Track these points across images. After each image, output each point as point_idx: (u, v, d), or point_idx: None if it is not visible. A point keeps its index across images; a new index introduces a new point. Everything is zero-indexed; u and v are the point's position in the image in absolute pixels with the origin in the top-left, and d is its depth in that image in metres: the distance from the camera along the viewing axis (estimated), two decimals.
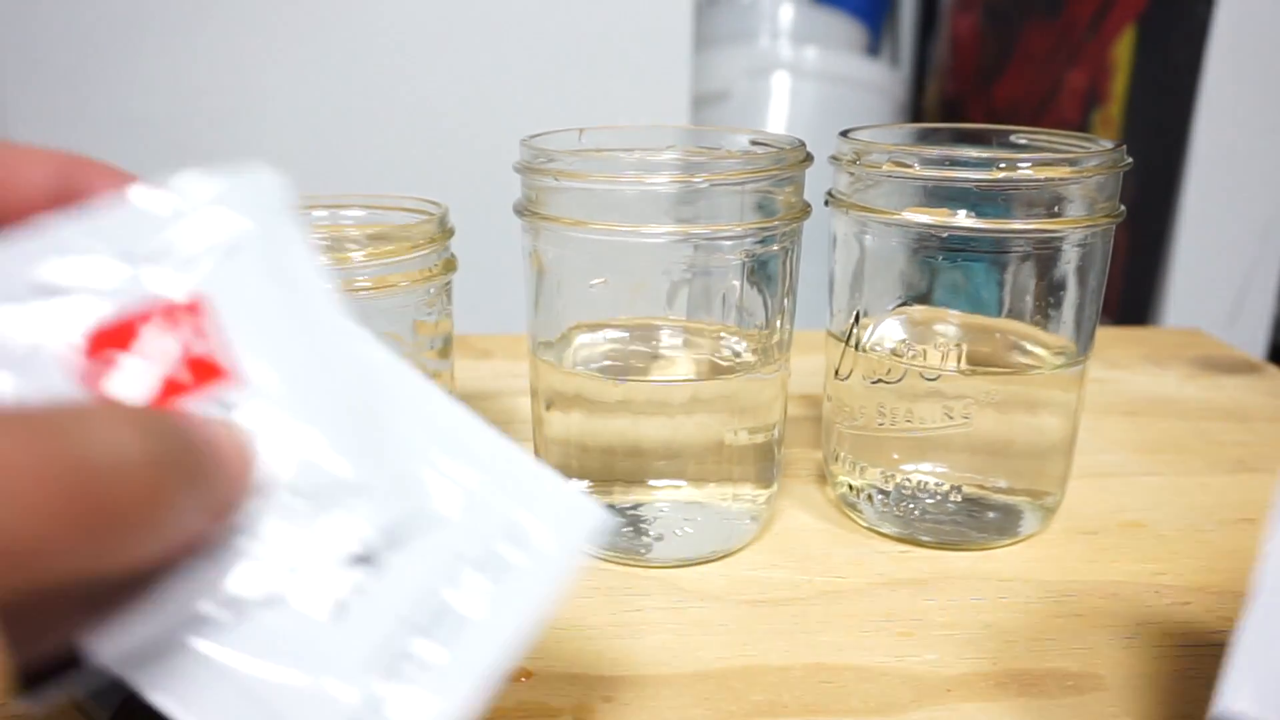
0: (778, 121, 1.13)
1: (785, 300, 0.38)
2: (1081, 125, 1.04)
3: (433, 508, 0.22)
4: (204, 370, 0.21)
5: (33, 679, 0.19)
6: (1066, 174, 0.35)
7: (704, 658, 0.32)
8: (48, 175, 0.22)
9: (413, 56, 0.84)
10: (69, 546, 0.16)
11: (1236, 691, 0.23)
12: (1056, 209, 0.36)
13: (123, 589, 0.19)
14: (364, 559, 0.21)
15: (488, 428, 0.24)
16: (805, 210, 0.37)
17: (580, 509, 0.24)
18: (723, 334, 0.39)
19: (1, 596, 0.16)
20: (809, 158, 0.37)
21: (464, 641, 0.21)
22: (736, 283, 0.37)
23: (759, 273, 0.37)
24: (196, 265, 0.22)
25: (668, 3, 0.85)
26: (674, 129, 0.45)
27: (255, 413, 0.21)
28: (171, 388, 0.21)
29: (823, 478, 0.44)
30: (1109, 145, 0.37)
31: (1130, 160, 0.37)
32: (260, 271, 0.23)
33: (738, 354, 0.38)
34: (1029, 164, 0.35)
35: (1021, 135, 0.40)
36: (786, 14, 1.18)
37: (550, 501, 0.24)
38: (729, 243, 0.35)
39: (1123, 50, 0.97)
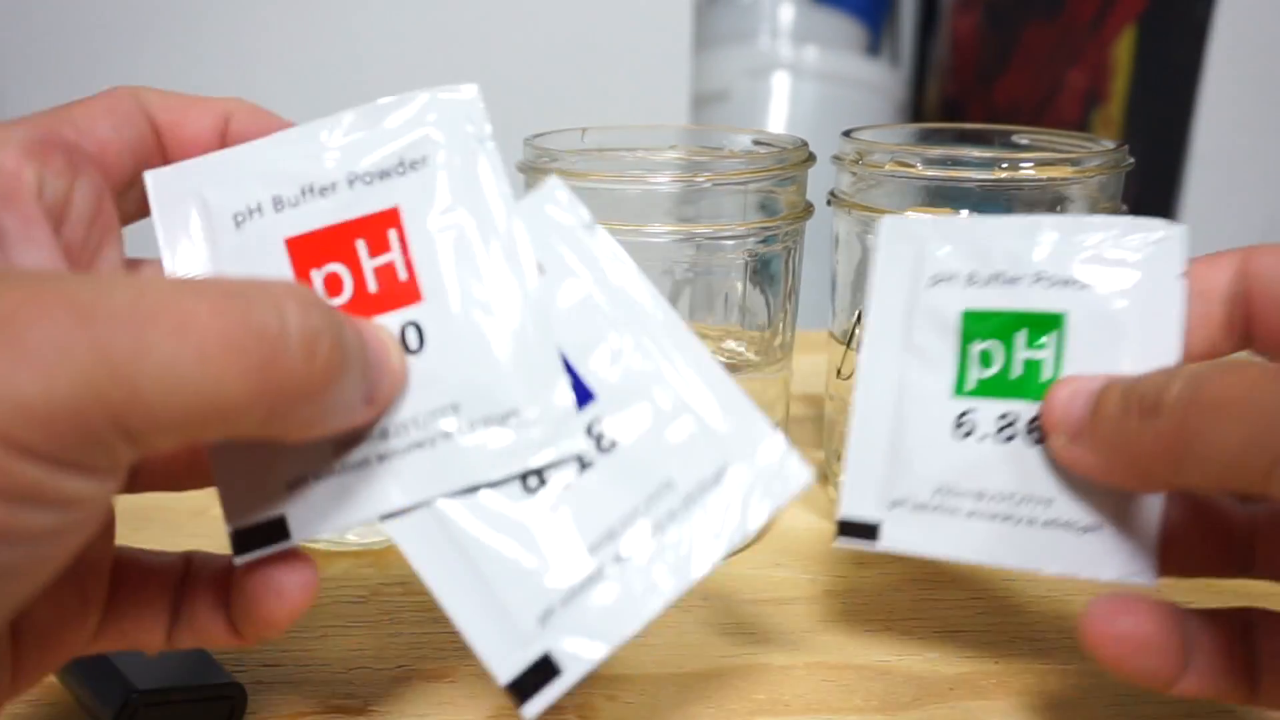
0: (778, 121, 1.13)
1: (787, 300, 0.38)
2: (1082, 125, 1.04)
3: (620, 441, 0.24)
4: (393, 283, 0.24)
5: (242, 544, 0.23)
6: (1069, 174, 0.35)
7: (707, 656, 0.32)
8: (215, 118, 0.25)
9: (415, 56, 0.84)
10: (247, 407, 0.18)
11: (854, 500, 0.27)
12: (1059, 208, 0.36)
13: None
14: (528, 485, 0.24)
15: (694, 344, 0.25)
16: (808, 210, 0.37)
17: (788, 468, 0.24)
18: (725, 333, 0.39)
19: (182, 448, 0.18)
20: (811, 157, 0.37)
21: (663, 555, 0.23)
22: (739, 282, 0.37)
23: (761, 272, 0.37)
24: (392, 177, 0.24)
25: (668, 3, 0.85)
26: (676, 129, 0.45)
27: (432, 333, 0.23)
28: (366, 299, 0.24)
29: (825, 477, 0.44)
30: (1111, 145, 0.37)
31: (1132, 160, 0.37)
32: (445, 186, 0.24)
33: (740, 353, 0.38)
34: (1031, 164, 0.35)
35: (1023, 135, 0.40)
36: (786, 14, 1.18)
37: (757, 451, 0.24)
38: (731, 242, 0.35)
39: (1123, 50, 0.97)
